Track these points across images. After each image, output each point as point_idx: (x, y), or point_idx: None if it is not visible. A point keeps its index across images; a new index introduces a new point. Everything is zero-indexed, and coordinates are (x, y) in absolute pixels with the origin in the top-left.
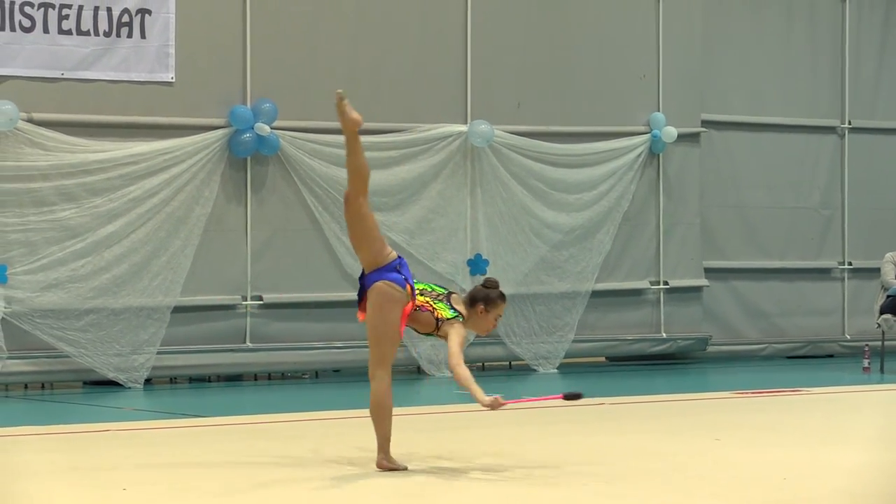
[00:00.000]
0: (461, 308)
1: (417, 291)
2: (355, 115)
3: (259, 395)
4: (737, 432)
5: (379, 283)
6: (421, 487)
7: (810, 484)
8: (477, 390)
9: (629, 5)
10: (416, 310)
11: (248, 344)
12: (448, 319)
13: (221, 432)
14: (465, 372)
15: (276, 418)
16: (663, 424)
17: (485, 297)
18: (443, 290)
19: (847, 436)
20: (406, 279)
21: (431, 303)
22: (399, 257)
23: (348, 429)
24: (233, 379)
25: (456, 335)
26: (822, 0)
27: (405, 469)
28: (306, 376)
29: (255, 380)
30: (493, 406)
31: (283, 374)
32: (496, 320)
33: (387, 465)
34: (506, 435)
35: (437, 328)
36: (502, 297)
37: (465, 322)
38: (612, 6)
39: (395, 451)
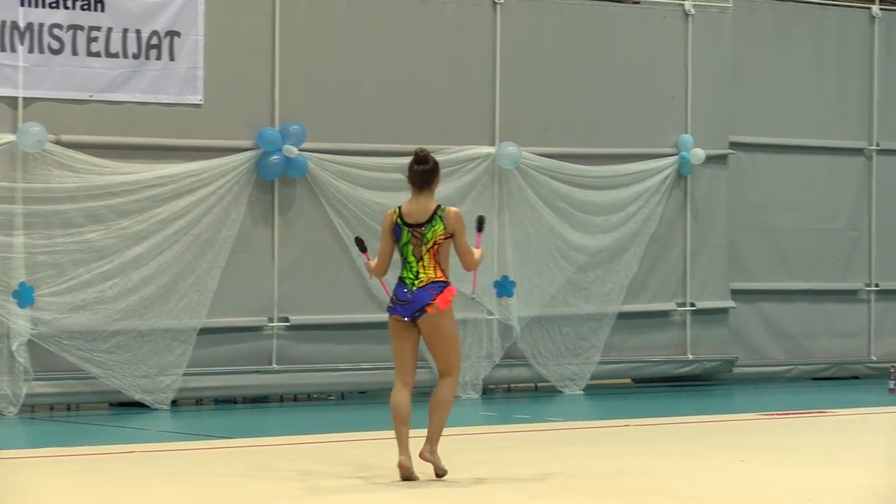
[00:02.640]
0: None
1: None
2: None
3: (285, 417)
4: (762, 453)
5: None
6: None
7: None
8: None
9: (658, 27)
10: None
11: (275, 365)
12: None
13: (247, 454)
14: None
15: (301, 440)
16: (689, 446)
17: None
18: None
19: (872, 458)
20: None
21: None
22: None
23: (372, 450)
24: (259, 400)
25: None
26: (851, 22)
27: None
28: (332, 398)
29: (282, 401)
30: None
31: (309, 395)
32: None
33: (428, 457)
34: (524, 456)
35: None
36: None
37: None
38: (640, 28)
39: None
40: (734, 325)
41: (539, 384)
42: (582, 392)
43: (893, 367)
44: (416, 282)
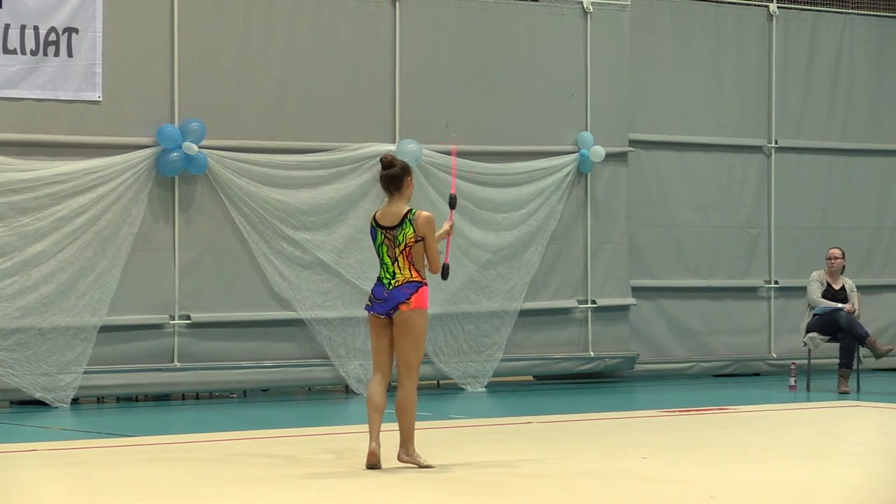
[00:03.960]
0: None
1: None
2: None
3: (187, 415)
4: (664, 451)
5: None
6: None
7: (737, 502)
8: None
9: (557, 25)
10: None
11: (176, 363)
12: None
13: (149, 452)
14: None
15: (204, 437)
16: (590, 443)
17: (406, 168)
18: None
19: (774, 454)
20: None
21: (401, 248)
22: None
23: (277, 447)
24: (161, 398)
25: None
26: (750, 20)
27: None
28: (235, 396)
29: (184, 399)
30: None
31: (211, 393)
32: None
33: (406, 458)
34: (427, 453)
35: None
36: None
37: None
38: (540, 25)
39: (316, 465)
40: (635, 322)
41: (441, 381)
42: (484, 389)
43: (793, 363)
44: (393, 281)
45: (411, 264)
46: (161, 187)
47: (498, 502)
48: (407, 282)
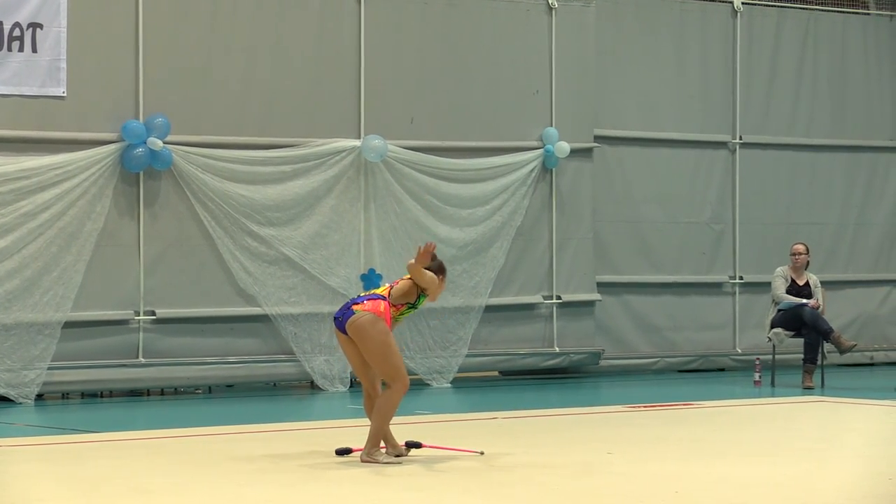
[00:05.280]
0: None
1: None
2: None
3: (152, 411)
4: (629, 446)
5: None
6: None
7: (702, 497)
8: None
9: (522, 21)
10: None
11: (141, 359)
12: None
13: (113, 448)
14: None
15: (169, 433)
16: (555, 438)
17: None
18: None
19: (738, 449)
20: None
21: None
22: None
23: (242, 444)
24: (126, 394)
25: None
26: (714, 16)
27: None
28: (199, 392)
29: (148, 395)
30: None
31: (176, 389)
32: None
33: (366, 458)
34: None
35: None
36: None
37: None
38: (505, 21)
39: (281, 461)
40: (600, 317)
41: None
42: (449, 385)
43: (758, 358)
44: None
45: (389, 287)
46: (126, 183)
47: (462, 498)
48: (371, 293)
